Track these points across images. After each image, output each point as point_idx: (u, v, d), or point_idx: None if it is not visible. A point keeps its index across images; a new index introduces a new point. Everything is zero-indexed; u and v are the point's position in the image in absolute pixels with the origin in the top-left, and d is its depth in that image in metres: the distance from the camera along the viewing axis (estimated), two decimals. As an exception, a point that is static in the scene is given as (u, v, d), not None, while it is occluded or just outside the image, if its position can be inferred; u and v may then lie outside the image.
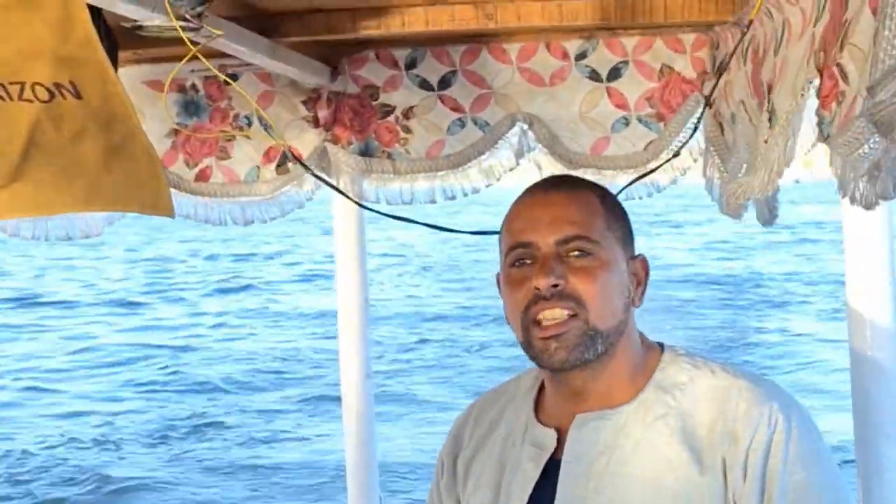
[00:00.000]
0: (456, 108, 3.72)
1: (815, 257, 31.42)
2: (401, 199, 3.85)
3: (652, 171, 3.53)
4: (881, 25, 1.63)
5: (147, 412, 16.20)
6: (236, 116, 3.81)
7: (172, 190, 3.80)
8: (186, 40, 2.51)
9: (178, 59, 3.60)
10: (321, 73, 3.66)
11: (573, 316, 2.05)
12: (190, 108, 3.81)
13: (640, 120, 3.64)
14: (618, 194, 3.51)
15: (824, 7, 2.03)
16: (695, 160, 3.69)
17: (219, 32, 2.60)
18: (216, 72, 2.89)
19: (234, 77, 3.74)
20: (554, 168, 3.74)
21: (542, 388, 2.28)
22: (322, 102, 3.75)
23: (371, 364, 3.99)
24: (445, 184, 3.82)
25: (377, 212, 3.67)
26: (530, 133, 3.72)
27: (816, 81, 1.98)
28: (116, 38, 2.78)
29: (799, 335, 20.04)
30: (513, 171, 3.80)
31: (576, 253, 2.08)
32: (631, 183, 3.51)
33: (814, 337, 19.65)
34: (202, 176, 3.85)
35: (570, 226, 2.09)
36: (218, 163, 3.84)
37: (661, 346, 2.20)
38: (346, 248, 3.99)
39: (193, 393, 17.32)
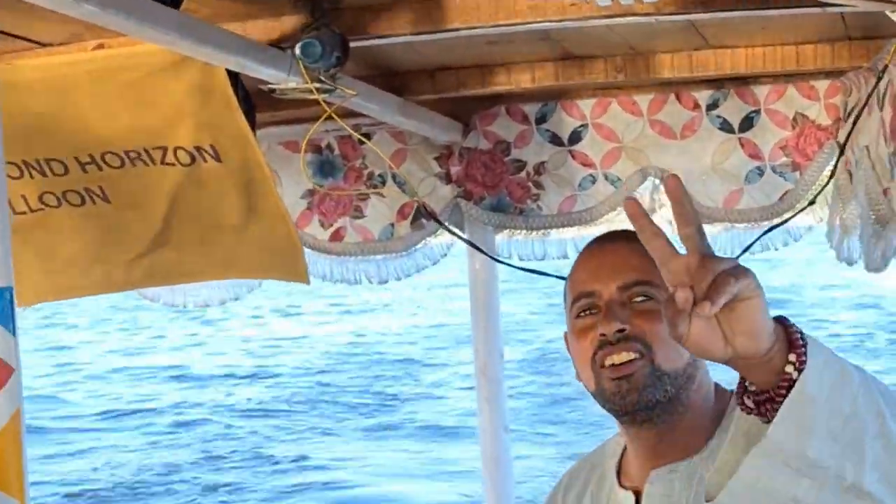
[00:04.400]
0: (587, 164, 3.73)
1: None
2: (533, 254, 3.86)
3: (786, 220, 3.48)
4: None
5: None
6: (370, 175, 3.86)
7: (307, 250, 3.89)
8: (321, 101, 2.56)
9: (314, 119, 3.69)
10: (453, 129, 3.71)
11: (640, 358, 2.05)
12: (325, 168, 3.87)
13: (774, 170, 3.59)
14: (752, 245, 3.49)
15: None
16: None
17: (352, 92, 2.66)
18: (350, 131, 2.94)
19: (368, 136, 3.80)
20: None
21: (624, 452, 2.27)
22: (454, 158, 3.79)
23: (508, 417, 3.99)
24: (578, 239, 3.82)
25: (513, 265, 3.68)
26: (662, 188, 3.70)
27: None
28: (254, 101, 2.85)
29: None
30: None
31: (639, 298, 2.09)
32: (765, 233, 3.47)
33: None
34: (336, 236, 3.91)
35: (632, 271, 2.10)
36: (352, 222, 3.89)
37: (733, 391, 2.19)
38: (481, 303, 3.99)
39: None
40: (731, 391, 2.17)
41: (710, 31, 2.98)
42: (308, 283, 3.13)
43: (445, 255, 3.92)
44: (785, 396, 1.52)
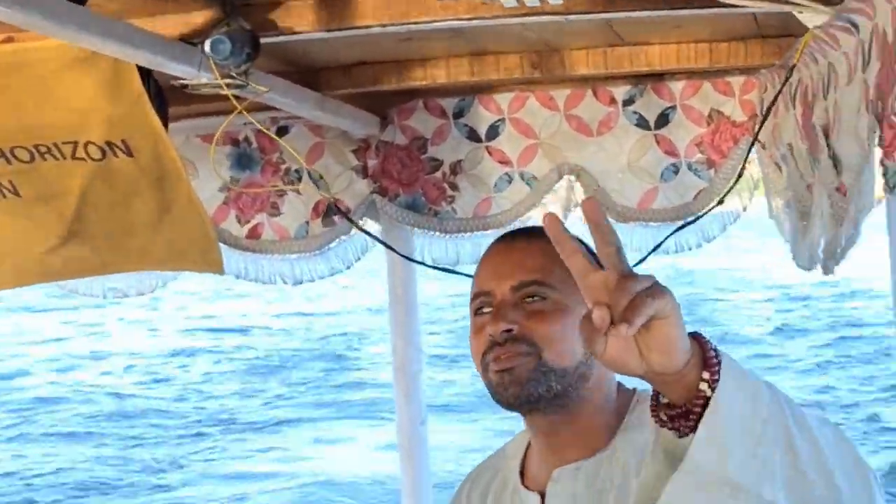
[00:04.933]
0: (503, 161, 3.72)
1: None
2: (446, 256, 3.84)
3: (698, 217, 3.49)
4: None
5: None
6: (287, 170, 3.83)
7: (224, 246, 3.86)
8: (231, 98, 2.55)
9: (231, 112, 3.67)
10: (370, 123, 3.69)
11: (526, 355, 2.08)
12: (243, 160, 3.84)
13: (689, 167, 3.61)
14: (658, 246, 3.51)
15: (870, 53, 2.02)
16: (744, 208, 3.66)
17: (264, 90, 2.64)
18: (262, 127, 2.94)
19: (286, 129, 3.78)
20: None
21: (527, 453, 2.28)
22: (371, 152, 3.77)
23: (426, 410, 4.00)
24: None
25: (426, 265, 3.67)
26: (577, 185, 3.70)
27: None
28: (167, 96, 2.82)
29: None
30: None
31: (531, 298, 2.11)
32: (674, 232, 3.49)
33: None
34: (254, 233, 3.88)
35: (527, 272, 2.12)
36: (269, 219, 3.86)
37: (635, 389, 2.20)
38: (398, 299, 3.98)
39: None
40: (633, 390, 2.21)
41: (624, 29, 2.99)
42: (223, 272, 3.12)
43: (360, 258, 3.89)
44: (699, 414, 1.53)
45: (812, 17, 2.32)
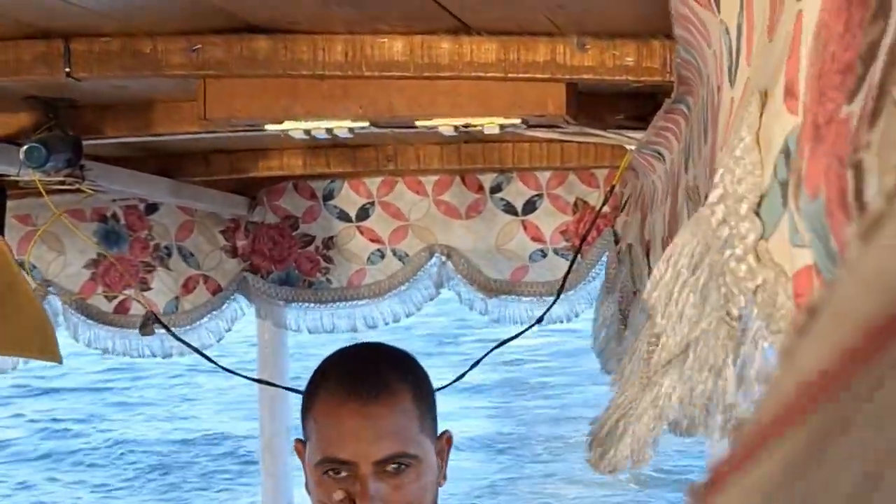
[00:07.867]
0: (374, 240, 3.73)
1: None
2: (322, 327, 3.85)
3: (557, 297, 3.46)
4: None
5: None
6: (157, 246, 3.81)
7: (90, 322, 3.82)
8: (48, 202, 2.52)
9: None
10: (238, 204, 3.68)
11: None
12: (110, 237, 3.80)
13: (556, 252, 3.63)
14: (531, 326, 3.50)
15: (668, 188, 2.00)
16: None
17: (89, 193, 2.61)
18: (68, 224, 2.89)
19: (155, 207, 3.75)
20: (474, 297, 3.74)
21: None
22: (240, 233, 3.77)
23: (293, 494, 3.96)
24: (366, 313, 3.82)
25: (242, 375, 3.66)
26: (449, 264, 3.72)
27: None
28: (4, 187, 2.79)
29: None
30: (433, 300, 3.82)
31: (394, 466, 2.08)
32: (536, 322, 3.48)
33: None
34: (121, 308, 3.84)
35: (390, 443, 2.08)
36: (138, 295, 3.82)
37: None
38: (268, 376, 3.95)
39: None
40: None
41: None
42: (61, 362, 3.08)
43: (230, 329, 3.88)
44: None
45: (629, 141, 2.33)
